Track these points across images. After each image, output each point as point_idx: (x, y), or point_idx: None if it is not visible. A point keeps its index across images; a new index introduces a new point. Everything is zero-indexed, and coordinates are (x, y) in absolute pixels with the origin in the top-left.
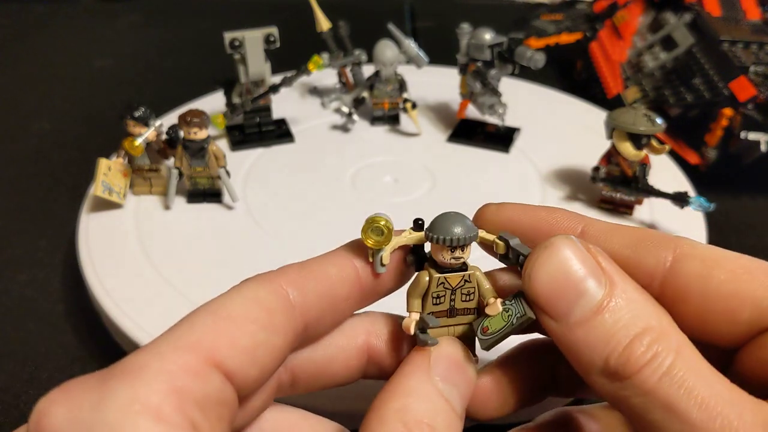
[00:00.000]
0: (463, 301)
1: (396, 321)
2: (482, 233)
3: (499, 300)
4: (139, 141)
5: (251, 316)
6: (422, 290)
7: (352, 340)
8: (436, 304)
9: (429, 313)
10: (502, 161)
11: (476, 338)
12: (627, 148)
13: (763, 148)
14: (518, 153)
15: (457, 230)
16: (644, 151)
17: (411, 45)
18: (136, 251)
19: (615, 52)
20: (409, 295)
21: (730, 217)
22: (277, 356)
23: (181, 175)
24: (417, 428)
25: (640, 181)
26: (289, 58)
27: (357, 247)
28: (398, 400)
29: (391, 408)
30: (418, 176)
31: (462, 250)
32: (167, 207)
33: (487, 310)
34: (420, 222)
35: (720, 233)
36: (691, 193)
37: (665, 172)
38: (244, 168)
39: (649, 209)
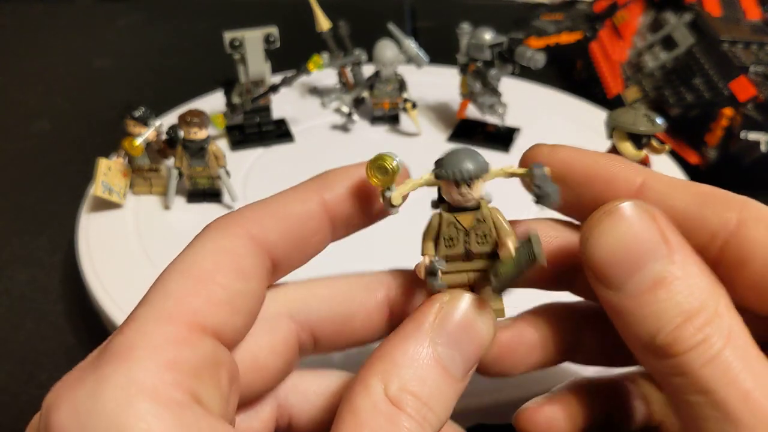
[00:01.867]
0: (478, 243)
1: (416, 276)
2: (512, 168)
3: (510, 240)
4: (139, 141)
5: (221, 267)
6: (434, 232)
7: (371, 296)
8: (449, 246)
9: (443, 257)
10: (502, 161)
11: (491, 282)
12: (627, 148)
13: (763, 148)
14: (518, 153)
15: (463, 164)
16: (644, 151)
17: (411, 45)
18: (136, 251)
19: (615, 52)
20: (423, 238)
21: None
22: (256, 300)
23: (181, 175)
24: (400, 396)
25: None
26: (289, 58)
27: (324, 179)
28: (387, 362)
29: (378, 370)
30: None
31: (469, 186)
32: (167, 207)
33: (500, 252)
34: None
35: None
36: None
37: (665, 172)
38: (244, 168)
39: None
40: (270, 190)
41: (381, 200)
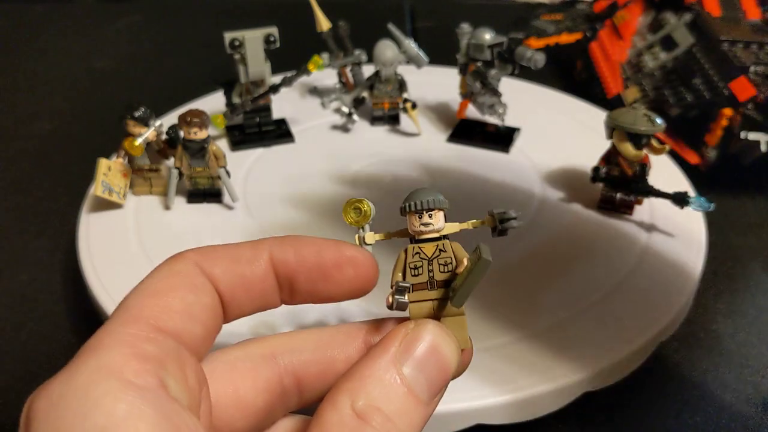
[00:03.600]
0: (441, 272)
1: (395, 321)
2: (473, 222)
3: (466, 259)
4: (139, 141)
5: (174, 284)
6: (401, 264)
7: (351, 341)
8: (415, 275)
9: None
10: (502, 161)
11: (450, 298)
12: (627, 148)
13: (763, 148)
14: (518, 153)
15: (423, 197)
16: (644, 151)
17: (411, 45)
18: (136, 251)
19: (615, 52)
20: (392, 272)
21: (730, 217)
22: (211, 312)
23: (181, 175)
24: (368, 413)
25: (640, 181)
26: (289, 58)
27: (279, 239)
28: (354, 381)
29: (346, 389)
30: (418, 176)
31: (430, 217)
32: (167, 207)
33: (458, 270)
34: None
35: (720, 233)
36: (691, 193)
37: (665, 172)
38: (244, 168)
39: (649, 209)
40: (270, 190)
41: (356, 241)
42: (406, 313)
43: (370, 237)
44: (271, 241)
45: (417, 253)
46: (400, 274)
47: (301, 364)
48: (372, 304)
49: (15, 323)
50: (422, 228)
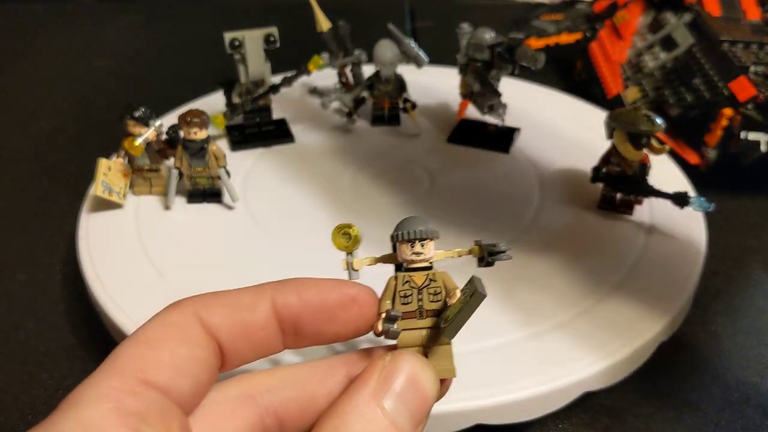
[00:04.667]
0: (431, 301)
1: (375, 351)
2: (459, 250)
3: (458, 291)
4: (139, 141)
5: (167, 336)
6: (391, 292)
7: (333, 375)
8: (405, 303)
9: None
10: (502, 161)
11: (441, 329)
12: (627, 148)
13: (763, 148)
14: (518, 153)
15: (416, 226)
16: (644, 151)
17: (411, 45)
18: (136, 251)
19: (615, 52)
20: (380, 299)
21: (730, 217)
22: (203, 366)
23: (181, 175)
24: None
25: (640, 181)
26: (289, 58)
27: (280, 284)
28: (336, 418)
29: (329, 426)
30: (418, 176)
31: (422, 246)
32: (167, 207)
33: (450, 301)
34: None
35: (720, 233)
36: (691, 193)
37: (665, 172)
38: (244, 168)
39: (649, 209)
40: (270, 190)
41: (344, 267)
42: (393, 342)
43: (358, 263)
44: (273, 285)
45: (407, 281)
46: (389, 302)
47: (281, 402)
48: None
49: (15, 323)
50: (413, 257)
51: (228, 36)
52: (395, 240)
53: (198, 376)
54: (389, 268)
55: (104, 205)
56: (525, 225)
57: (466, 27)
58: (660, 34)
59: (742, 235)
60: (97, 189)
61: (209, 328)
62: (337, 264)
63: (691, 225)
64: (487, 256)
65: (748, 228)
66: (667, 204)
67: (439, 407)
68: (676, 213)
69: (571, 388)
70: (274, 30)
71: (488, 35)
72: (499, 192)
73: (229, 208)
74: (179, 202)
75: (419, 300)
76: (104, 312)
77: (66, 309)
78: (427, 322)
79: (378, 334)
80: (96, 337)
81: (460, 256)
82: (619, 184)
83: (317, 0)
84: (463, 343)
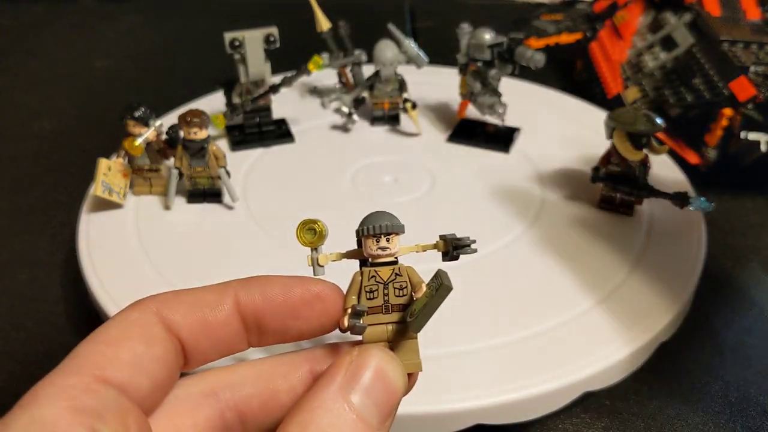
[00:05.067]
0: (396, 296)
1: (339, 346)
2: (424, 245)
3: (424, 285)
4: (139, 141)
5: (127, 334)
6: (356, 287)
7: (295, 370)
8: (371, 299)
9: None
10: (502, 161)
11: (407, 323)
12: (627, 148)
13: (763, 148)
14: (518, 153)
15: (381, 221)
16: (644, 151)
17: (411, 45)
18: (136, 251)
19: (615, 52)
20: (346, 294)
21: (730, 217)
22: (162, 365)
23: (181, 175)
24: None
25: (640, 181)
26: (289, 58)
27: (244, 281)
28: (304, 414)
29: (296, 422)
30: (418, 176)
31: (387, 241)
32: (167, 207)
33: (416, 295)
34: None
35: (720, 233)
36: (691, 193)
37: (665, 172)
38: (244, 168)
39: (649, 209)
40: (270, 190)
41: (309, 262)
42: (359, 337)
43: (324, 258)
44: (237, 282)
45: (373, 276)
46: (354, 297)
47: (242, 398)
48: None
49: (15, 323)
50: (379, 252)
51: (228, 36)
52: (360, 235)
53: (157, 374)
54: (355, 264)
55: (104, 205)
56: (525, 225)
57: (466, 27)
58: (660, 34)
59: (742, 235)
60: (97, 189)
61: (170, 326)
62: (336, 264)
63: (691, 225)
64: (452, 251)
65: (748, 228)
66: (667, 204)
67: (439, 407)
68: (676, 213)
69: (571, 388)
70: (274, 30)
71: (488, 35)
72: (499, 192)
73: (229, 208)
74: (179, 202)
75: (385, 295)
76: (104, 312)
77: (66, 309)
78: (393, 317)
79: (344, 330)
80: None
81: (424, 250)
82: (619, 184)
83: (317, 0)
84: (463, 343)
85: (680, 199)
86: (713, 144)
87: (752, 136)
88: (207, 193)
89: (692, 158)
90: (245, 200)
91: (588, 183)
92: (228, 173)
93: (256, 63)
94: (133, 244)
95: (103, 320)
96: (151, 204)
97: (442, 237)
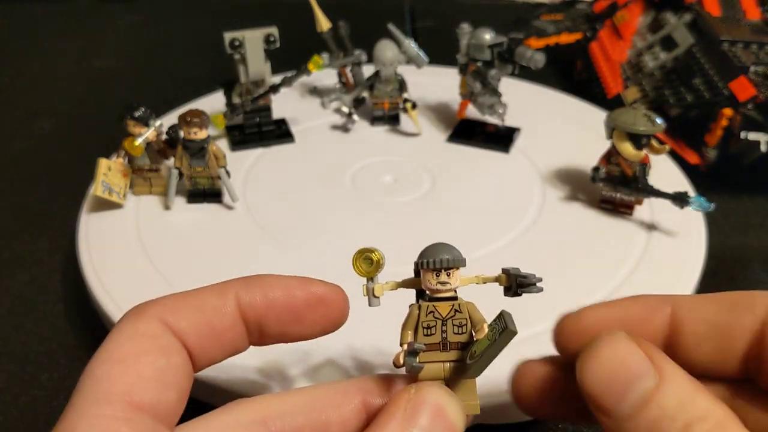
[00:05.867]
0: (455, 333)
1: (393, 380)
2: (484, 276)
3: (486, 324)
4: (139, 141)
5: (141, 348)
6: (413, 322)
7: (347, 402)
8: (428, 335)
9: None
10: (502, 161)
11: (466, 365)
12: (627, 148)
13: (763, 148)
14: (518, 153)
15: (443, 254)
16: (644, 151)
17: (411, 45)
18: (136, 251)
19: (615, 52)
20: (402, 328)
21: (730, 217)
22: (183, 374)
23: (181, 175)
24: None
25: (640, 181)
26: (289, 58)
27: (245, 281)
28: None
29: None
30: (418, 176)
31: (448, 275)
32: (167, 207)
33: (477, 335)
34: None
35: (720, 233)
36: (691, 193)
37: (665, 172)
38: (244, 168)
39: (649, 209)
40: (270, 190)
41: (364, 292)
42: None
43: (379, 289)
44: (237, 284)
45: (431, 312)
46: (410, 332)
47: (293, 428)
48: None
49: (15, 323)
50: (439, 286)
51: (228, 36)
52: (420, 267)
53: (180, 384)
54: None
55: (104, 205)
56: (525, 225)
57: (466, 27)
58: (660, 34)
59: (742, 235)
60: (97, 189)
61: (177, 333)
62: (336, 264)
63: (691, 225)
64: (515, 287)
65: (748, 228)
66: (667, 204)
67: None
68: (676, 213)
69: None
70: (274, 30)
71: (488, 35)
72: (499, 192)
73: (229, 208)
74: (179, 202)
75: (443, 332)
76: (104, 312)
77: (66, 309)
78: (451, 355)
79: (398, 367)
80: (96, 337)
81: (485, 282)
82: (619, 184)
83: (317, 0)
84: None
85: (680, 199)
86: (713, 144)
87: (752, 136)
88: (207, 193)
89: (692, 158)
90: (245, 200)
91: (588, 183)
92: (228, 173)
93: (256, 63)
94: (133, 244)
95: (103, 320)
96: (151, 204)
97: (505, 271)
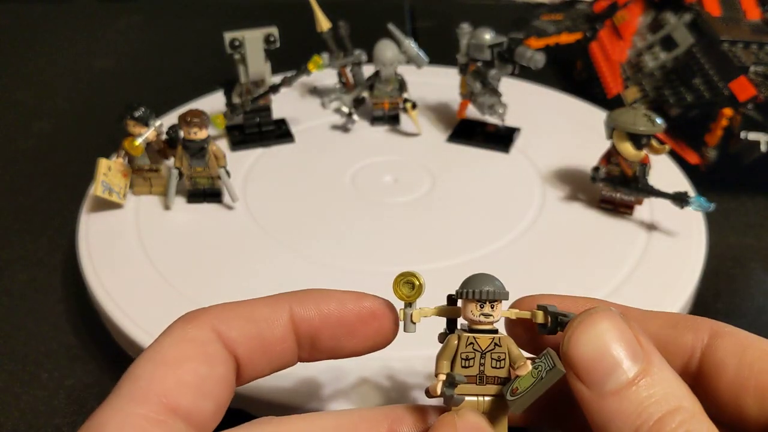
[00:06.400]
0: (493, 367)
1: (421, 410)
2: (518, 311)
3: (529, 361)
4: (139, 141)
5: (187, 354)
6: (451, 352)
7: (375, 427)
8: (465, 366)
9: None
10: (502, 161)
11: (507, 401)
12: (627, 148)
13: (763, 148)
14: (518, 153)
15: (488, 286)
16: (644, 151)
17: (411, 45)
18: (136, 251)
19: (615, 52)
20: (438, 358)
21: (730, 217)
22: (223, 386)
23: (181, 175)
24: None
25: (640, 181)
26: (289, 58)
27: (298, 294)
28: None
29: None
30: (418, 176)
31: (491, 308)
32: (167, 207)
33: (518, 371)
34: (453, 297)
35: (720, 233)
36: (691, 193)
37: (665, 172)
38: (244, 168)
39: (649, 209)
40: (270, 190)
41: (401, 317)
42: (449, 405)
43: (417, 315)
44: (291, 297)
45: (471, 343)
46: (447, 363)
47: None
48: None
49: (15, 323)
50: (481, 318)
51: (228, 36)
52: (463, 297)
53: (219, 396)
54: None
55: (104, 205)
56: (525, 225)
57: (466, 27)
58: (660, 34)
59: (742, 235)
60: (97, 189)
61: (227, 343)
62: (334, 264)
63: (691, 225)
64: (553, 325)
65: (748, 228)
66: (667, 204)
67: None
68: (676, 213)
69: None
70: (274, 30)
71: (488, 35)
72: (499, 192)
73: (229, 208)
74: (179, 202)
75: (481, 365)
76: (104, 312)
77: (66, 309)
78: (487, 389)
79: (433, 396)
80: (96, 337)
81: (519, 317)
82: (619, 184)
83: (317, 0)
84: None
85: (680, 199)
86: (713, 144)
87: (752, 136)
88: (207, 193)
89: (692, 158)
90: (245, 200)
91: (588, 183)
92: (228, 173)
93: (256, 63)
94: (133, 244)
95: (103, 320)
96: (151, 204)
97: (541, 307)
